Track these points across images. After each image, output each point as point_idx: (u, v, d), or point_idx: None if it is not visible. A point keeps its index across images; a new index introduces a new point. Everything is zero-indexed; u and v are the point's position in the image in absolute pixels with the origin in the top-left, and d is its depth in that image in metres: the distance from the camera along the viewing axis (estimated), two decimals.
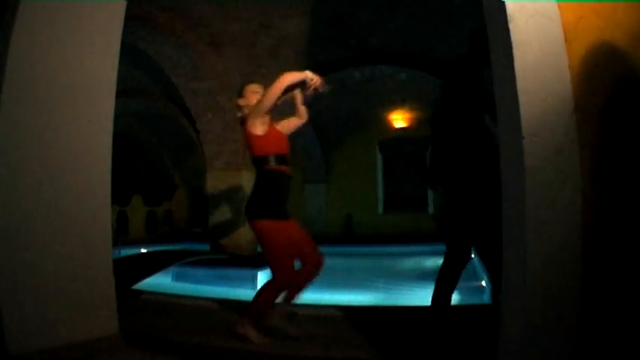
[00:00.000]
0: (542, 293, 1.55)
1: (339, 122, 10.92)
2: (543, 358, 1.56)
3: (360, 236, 11.10)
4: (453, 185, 2.66)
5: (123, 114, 8.79)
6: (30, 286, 2.08)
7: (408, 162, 11.53)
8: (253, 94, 2.70)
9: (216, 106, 7.04)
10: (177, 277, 5.81)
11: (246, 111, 2.68)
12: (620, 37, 1.61)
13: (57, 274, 2.18)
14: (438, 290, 2.59)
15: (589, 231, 1.56)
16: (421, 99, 9.25)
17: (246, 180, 7.43)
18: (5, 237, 2.01)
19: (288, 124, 2.81)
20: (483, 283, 4.77)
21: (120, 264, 3.42)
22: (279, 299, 2.59)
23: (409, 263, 7.72)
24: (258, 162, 2.62)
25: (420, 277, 5.83)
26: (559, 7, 1.64)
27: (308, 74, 2.56)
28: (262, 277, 5.68)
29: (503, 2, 1.66)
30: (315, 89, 2.57)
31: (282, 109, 2.75)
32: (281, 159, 2.61)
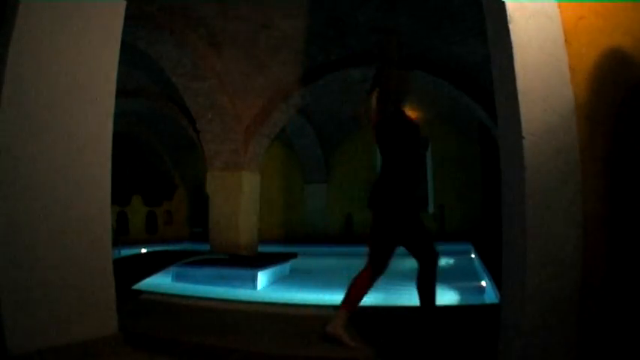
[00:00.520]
0: (542, 294, 1.55)
1: (339, 122, 10.93)
2: (543, 358, 1.56)
3: (360, 236, 11.09)
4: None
5: (123, 114, 8.80)
6: (30, 286, 2.08)
7: None
8: None
9: (216, 106, 7.05)
10: (177, 277, 5.81)
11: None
12: (621, 37, 1.61)
13: (57, 274, 2.17)
14: (421, 294, 2.62)
15: (589, 231, 1.56)
16: (421, 99, 9.24)
17: (246, 180, 7.44)
18: (5, 237, 2.01)
19: None
20: (483, 283, 4.78)
21: (120, 264, 3.41)
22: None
23: (409, 263, 7.69)
24: None
25: None
26: (559, 7, 1.65)
27: None
28: (262, 277, 5.70)
29: (503, 2, 1.67)
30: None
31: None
32: None
